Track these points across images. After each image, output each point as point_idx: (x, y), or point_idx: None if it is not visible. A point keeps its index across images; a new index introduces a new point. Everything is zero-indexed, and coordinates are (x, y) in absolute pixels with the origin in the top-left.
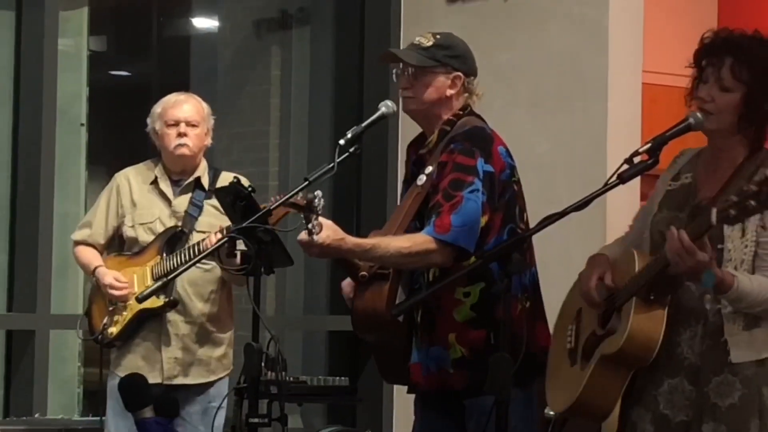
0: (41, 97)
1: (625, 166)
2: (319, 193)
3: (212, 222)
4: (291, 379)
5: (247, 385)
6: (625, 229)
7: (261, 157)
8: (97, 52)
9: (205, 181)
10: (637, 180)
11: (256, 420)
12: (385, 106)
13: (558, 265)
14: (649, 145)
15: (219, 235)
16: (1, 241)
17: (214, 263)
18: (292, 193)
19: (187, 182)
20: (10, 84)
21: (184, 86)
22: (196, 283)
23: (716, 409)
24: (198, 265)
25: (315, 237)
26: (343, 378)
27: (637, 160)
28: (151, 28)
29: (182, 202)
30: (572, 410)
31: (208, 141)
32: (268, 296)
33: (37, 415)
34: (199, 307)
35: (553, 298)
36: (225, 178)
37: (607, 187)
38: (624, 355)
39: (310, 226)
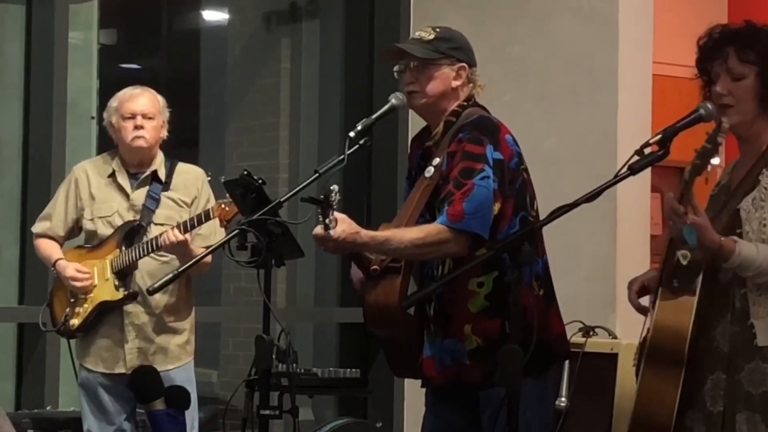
0: (52, 91)
1: (636, 158)
2: (335, 187)
3: (170, 214)
4: (302, 371)
5: (258, 377)
6: (635, 221)
7: (271, 150)
8: (107, 46)
9: (162, 174)
10: (647, 171)
11: (267, 412)
12: (395, 98)
13: (569, 257)
14: (659, 136)
15: (176, 231)
16: (12, 234)
17: (172, 255)
18: (303, 185)
19: (144, 175)
20: (20, 78)
21: (194, 79)
22: (155, 275)
23: (750, 397)
24: (155, 257)
25: (331, 231)
26: (354, 370)
27: (647, 151)
28: (161, 22)
29: (140, 196)
30: (633, 424)
31: (164, 133)
32: (279, 288)
33: (48, 408)
34: (157, 298)
35: (564, 289)
36: (182, 170)
37: (617, 179)
38: (657, 350)
39: (327, 221)
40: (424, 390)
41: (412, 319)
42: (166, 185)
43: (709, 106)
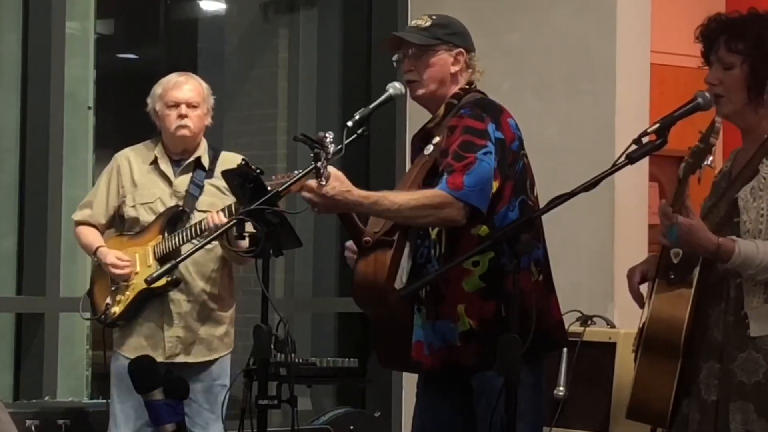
0: (49, 81)
1: (634, 147)
2: (330, 133)
3: (213, 202)
4: (300, 360)
5: (256, 366)
6: (633, 210)
7: (269, 140)
8: (104, 36)
9: (206, 161)
10: (645, 160)
11: (265, 402)
12: (393, 88)
13: (567, 246)
14: (657, 125)
15: (221, 214)
16: (10, 225)
17: (216, 243)
18: (301, 175)
19: (187, 162)
20: (17, 68)
21: (191, 69)
22: (198, 262)
23: (743, 387)
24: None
25: (323, 181)
26: (352, 360)
27: (645, 140)
28: (159, 11)
29: (183, 182)
30: (630, 410)
31: (209, 121)
32: (277, 278)
33: (47, 398)
34: (200, 285)
35: (562, 278)
36: (225, 158)
37: (615, 167)
38: (652, 340)
39: (319, 164)
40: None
41: (400, 298)
42: (209, 172)
43: (707, 94)
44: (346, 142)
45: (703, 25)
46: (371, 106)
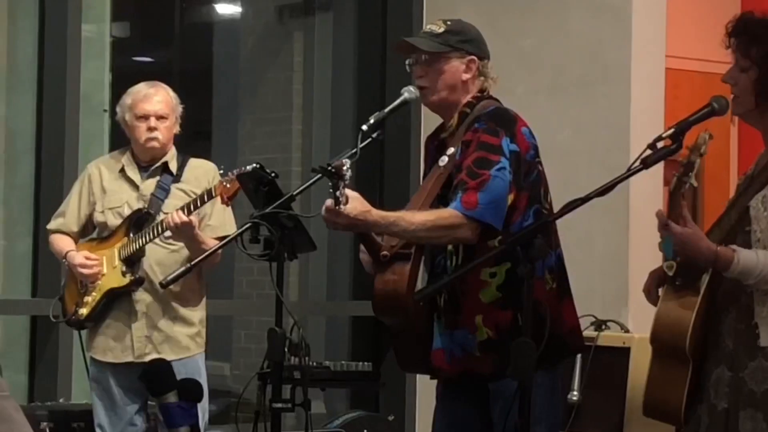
0: (64, 84)
1: (649, 152)
2: (347, 160)
3: (179, 204)
4: (314, 364)
5: (270, 370)
6: (648, 215)
7: (283, 143)
8: (120, 38)
9: (173, 167)
10: (660, 165)
11: (279, 405)
12: (408, 92)
13: (581, 251)
14: (672, 130)
15: (180, 212)
16: (26, 228)
17: (181, 244)
18: (315, 179)
19: (154, 167)
20: (33, 70)
21: (206, 72)
22: (163, 263)
23: (753, 395)
24: (164, 245)
25: (342, 208)
26: (366, 363)
27: (660, 145)
28: (174, 14)
29: (149, 186)
30: (645, 408)
31: (177, 129)
32: (291, 282)
33: (61, 400)
34: None
35: (576, 282)
36: (194, 165)
37: (630, 173)
38: (658, 343)
39: (338, 193)
40: (435, 383)
41: (421, 308)
42: (176, 177)
43: (723, 99)
44: (360, 146)
45: (730, 22)
46: (386, 110)
